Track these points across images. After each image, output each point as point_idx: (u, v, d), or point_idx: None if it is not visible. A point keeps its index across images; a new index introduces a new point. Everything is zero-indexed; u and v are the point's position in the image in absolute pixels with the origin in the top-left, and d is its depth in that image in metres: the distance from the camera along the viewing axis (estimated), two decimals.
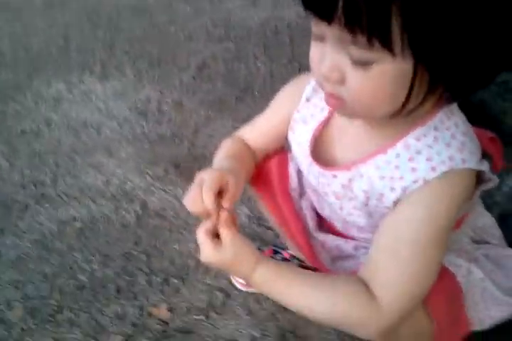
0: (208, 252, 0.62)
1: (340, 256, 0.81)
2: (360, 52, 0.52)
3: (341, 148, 0.70)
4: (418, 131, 0.60)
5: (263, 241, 1.18)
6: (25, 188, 1.39)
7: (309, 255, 0.80)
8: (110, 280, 1.09)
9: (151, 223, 1.26)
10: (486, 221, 0.78)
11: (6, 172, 1.46)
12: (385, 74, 0.53)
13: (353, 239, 0.79)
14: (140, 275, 1.10)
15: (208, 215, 0.63)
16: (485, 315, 0.72)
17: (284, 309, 1.00)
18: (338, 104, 0.59)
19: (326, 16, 0.51)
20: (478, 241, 0.76)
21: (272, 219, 0.92)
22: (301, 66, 1.93)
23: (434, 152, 0.58)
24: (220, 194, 0.64)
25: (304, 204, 0.84)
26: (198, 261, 1.13)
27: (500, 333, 0.79)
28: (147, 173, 1.44)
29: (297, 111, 0.74)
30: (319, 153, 0.71)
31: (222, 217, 0.62)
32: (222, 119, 1.67)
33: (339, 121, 0.70)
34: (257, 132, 0.84)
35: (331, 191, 0.69)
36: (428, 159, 0.58)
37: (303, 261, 1.00)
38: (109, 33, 2.33)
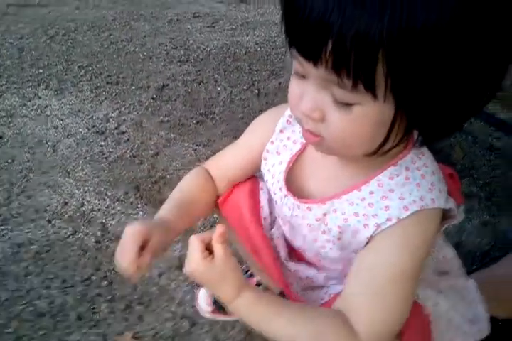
0: (197, 260, 0.61)
1: (310, 286, 0.83)
2: (343, 94, 0.53)
3: (315, 181, 0.71)
4: (390, 169, 0.63)
5: None
6: None
7: (281, 284, 0.81)
8: (70, 308, 1.05)
9: (112, 247, 1.23)
10: (446, 252, 0.82)
11: None
12: (366, 116, 0.54)
13: (323, 269, 0.81)
14: (101, 301, 1.08)
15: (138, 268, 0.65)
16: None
17: (251, 337, 1.02)
18: (316, 141, 0.60)
19: (314, 57, 0.52)
20: (440, 273, 0.81)
21: (241, 248, 0.93)
22: (260, 92, 1.98)
23: (405, 191, 0.62)
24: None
25: (275, 234, 0.85)
26: (161, 288, 1.12)
27: None
28: (106, 195, 1.41)
29: (271, 143, 0.76)
30: (293, 184, 0.73)
31: (217, 232, 0.62)
32: (183, 142, 1.67)
33: (313, 154, 0.71)
34: (224, 166, 0.84)
35: (304, 223, 0.71)
36: (400, 198, 0.61)
37: (268, 289, 1.03)
38: (66, 47, 2.29)
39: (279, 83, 2.01)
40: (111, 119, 1.78)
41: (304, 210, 0.70)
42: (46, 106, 1.83)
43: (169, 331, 1.02)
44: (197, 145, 1.66)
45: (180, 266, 1.18)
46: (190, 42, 2.40)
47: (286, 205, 0.73)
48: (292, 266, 0.82)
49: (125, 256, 0.66)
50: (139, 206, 1.38)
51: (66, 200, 1.38)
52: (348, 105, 0.54)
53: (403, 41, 0.47)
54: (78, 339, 0.99)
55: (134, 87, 1.99)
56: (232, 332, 1.03)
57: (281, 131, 0.75)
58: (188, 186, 0.83)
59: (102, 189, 1.43)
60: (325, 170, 0.70)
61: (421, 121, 0.56)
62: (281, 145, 0.75)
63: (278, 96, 1.93)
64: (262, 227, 0.82)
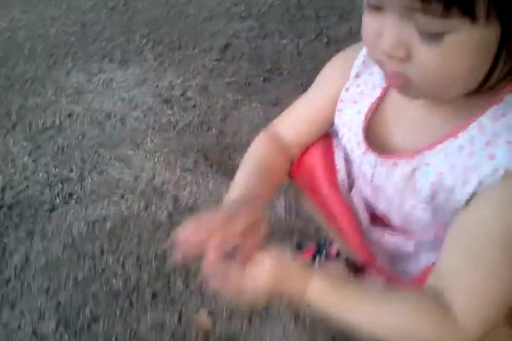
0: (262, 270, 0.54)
1: (399, 256, 0.72)
2: (430, 22, 0.43)
3: (400, 133, 0.61)
4: (494, 109, 0.51)
5: (303, 234, 1.10)
6: (52, 187, 1.33)
7: (366, 255, 0.71)
8: (146, 285, 1.02)
9: (184, 219, 1.18)
10: None
11: (31, 170, 1.40)
12: (462, 46, 0.44)
13: (413, 235, 0.69)
14: (177, 277, 1.03)
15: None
16: None
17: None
18: (403, 85, 0.50)
19: None
20: None
21: (319, 216, 0.82)
22: (330, 40, 1.80)
23: None
24: None
25: (355, 198, 0.74)
26: None
27: None
28: (176, 165, 1.36)
29: (345, 90, 0.65)
30: (373, 138, 0.62)
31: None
32: (251, 102, 1.57)
33: (396, 101, 0.61)
34: (295, 121, 0.74)
35: (390, 183, 0.61)
36: (509, 142, 0.49)
37: (349, 260, 0.92)
38: (126, 17, 2.23)
39: (350, 28, 1.81)
40: (176, 86, 1.72)
41: (388, 167, 0.59)
42: (111, 80, 1.80)
43: (245, 307, 0.95)
44: (266, 105, 1.55)
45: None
46: None
47: (366, 163, 0.63)
48: (376, 233, 0.71)
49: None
50: (209, 175, 1.32)
51: (137, 174, 1.34)
52: (438, 35, 0.44)
53: None
54: (154, 318, 0.95)
55: (196, 51, 1.91)
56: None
57: (356, 76, 0.64)
58: (262, 152, 0.73)
59: (172, 159, 1.38)
60: (410, 118, 0.59)
61: None
62: (358, 91, 0.64)
63: (349, 43, 1.75)
64: (339, 191, 0.71)
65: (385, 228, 0.72)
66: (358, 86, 0.64)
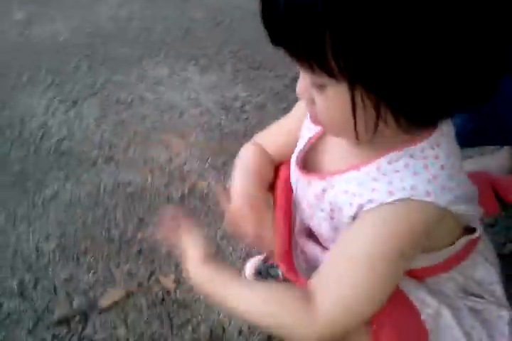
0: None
1: (315, 266, 0.81)
2: (311, 77, 0.53)
3: (329, 159, 0.69)
4: (393, 154, 0.58)
5: None
6: (101, 149, 1.55)
7: (286, 261, 0.76)
8: (136, 242, 1.19)
9: (192, 203, 1.35)
10: (486, 275, 0.73)
11: (91, 132, 1.64)
12: (334, 97, 0.53)
13: (326, 249, 0.76)
14: (163, 245, 1.19)
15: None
16: None
17: None
18: (316, 122, 0.61)
19: (274, 42, 0.54)
20: (468, 293, 0.72)
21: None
22: None
23: (397, 177, 0.57)
24: None
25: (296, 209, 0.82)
26: (218, 248, 1.19)
27: None
28: (207, 161, 1.54)
29: (307, 118, 0.74)
30: (310, 160, 0.72)
31: None
32: None
33: (326, 139, 0.70)
34: (274, 133, 0.85)
35: (305, 199, 0.69)
36: (389, 182, 0.56)
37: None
38: (227, 32, 2.50)
39: None
40: (239, 99, 1.91)
41: (305, 184, 0.69)
42: (188, 80, 2.04)
43: None
44: None
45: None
46: None
47: (293, 179, 0.73)
48: (302, 241, 0.79)
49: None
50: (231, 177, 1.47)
51: (172, 157, 1.53)
52: (322, 86, 0.53)
53: (345, 20, 0.46)
54: (130, 269, 1.11)
55: (271, 74, 2.10)
56: None
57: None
58: (254, 160, 0.83)
59: (206, 155, 1.56)
60: (338, 147, 0.68)
61: (389, 100, 0.51)
62: (306, 129, 0.74)
63: None
64: (288, 198, 0.79)
65: (309, 238, 0.79)
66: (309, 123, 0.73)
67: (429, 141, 0.58)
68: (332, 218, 0.65)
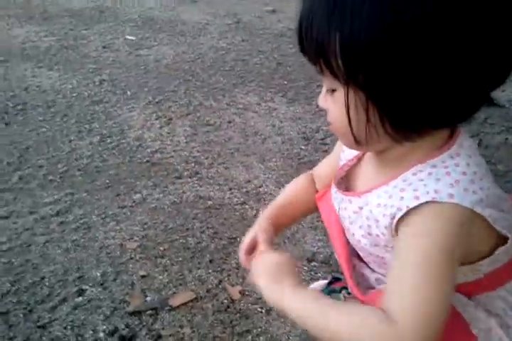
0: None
1: (368, 287, 0.83)
2: (325, 81, 0.61)
3: (363, 181, 0.74)
4: (417, 167, 0.63)
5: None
6: (187, 164, 1.68)
7: (350, 281, 0.79)
8: (209, 252, 1.26)
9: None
10: None
11: (181, 148, 1.77)
12: (340, 101, 0.59)
13: (374, 270, 0.79)
14: (234, 257, 1.26)
15: None
16: None
17: None
18: (331, 128, 0.67)
19: (302, 52, 0.62)
20: None
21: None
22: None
23: (421, 184, 0.61)
24: None
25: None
26: None
27: None
28: (283, 185, 1.60)
29: (342, 152, 0.81)
30: (349, 184, 0.77)
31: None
32: None
33: (367, 156, 0.76)
34: (321, 173, 0.92)
35: (347, 215, 0.74)
36: (415, 190, 0.61)
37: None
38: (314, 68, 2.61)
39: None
40: (321, 131, 1.99)
41: (346, 203, 0.74)
42: (275, 109, 2.15)
43: None
44: None
45: (311, 259, 1.28)
46: None
47: (336, 200, 0.78)
48: (356, 262, 0.83)
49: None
50: None
51: (250, 179, 1.62)
52: (333, 91, 0.61)
53: (350, 43, 0.55)
54: (201, 275, 1.18)
55: None
56: None
57: (343, 151, 0.81)
58: (290, 188, 0.94)
59: (282, 180, 1.63)
60: (369, 169, 0.73)
61: (377, 105, 0.58)
62: (344, 160, 0.80)
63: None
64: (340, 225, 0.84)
65: (361, 261, 0.81)
66: (344, 156, 0.80)
67: (449, 153, 0.63)
68: (370, 234, 0.69)
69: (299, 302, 0.66)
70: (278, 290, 0.67)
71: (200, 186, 1.55)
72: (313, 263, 1.27)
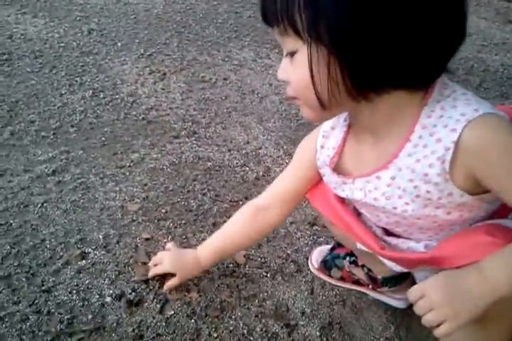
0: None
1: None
2: (285, 42, 0.62)
3: (365, 165, 0.74)
4: (425, 110, 0.64)
5: None
6: (184, 123, 1.62)
7: (377, 247, 0.82)
8: (212, 215, 1.24)
9: (265, 186, 1.39)
10: None
11: (177, 105, 1.71)
12: (300, 61, 0.61)
13: (419, 240, 0.81)
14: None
15: None
16: None
17: (343, 304, 1.06)
18: (296, 103, 0.68)
19: (263, 17, 0.63)
20: None
21: (337, 232, 0.99)
22: None
23: (445, 118, 0.62)
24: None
25: (365, 220, 0.87)
26: (288, 232, 1.23)
27: None
28: (282, 147, 1.58)
29: (318, 160, 0.81)
30: (347, 170, 0.78)
31: None
32: None
33: (350, 149, 0.76)
34: (276, 193, 0.95)
35: (379, 193, 0.73)
36: (445, 126, 0.62)
37: (371, 271, 1.05)
38: None
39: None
40: None
41: (374, 181, 0.72)
42: (271, 67, 2.08)
43: (276, 266, 1.13)
44: None
45: (313, 223, 1.27)
46: None
47: (356, 190, 0.76)
48: (391, 240, 0.84)
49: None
50: None
51: (249, 140, 1.58)
52: (293, 55, 0.62)
53: None
54: (205, 238, 1.16)
55: None
56: (330, 293, 1.09)
57: (321, 147, 0.81)
58: (229, 225, 1.00)
59: (281, 142, 1.60)
60: (366, 149, 0.73)
61: (349, 64, 0.59)
62: (326, 156, 0.80)
63: None
64: (350, 209, 0.86)
65: (398, 237, 0.84)
66: (322, 153, 0.80)
67: (438, 86, 0.65)
68: (418, 196, 0.68)
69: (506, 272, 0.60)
70: (479, 292, 0.61)
71: (199, 146, 1.51)
72: (315, 227, 1.27)
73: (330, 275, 1.12)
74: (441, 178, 0.64)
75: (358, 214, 0.88)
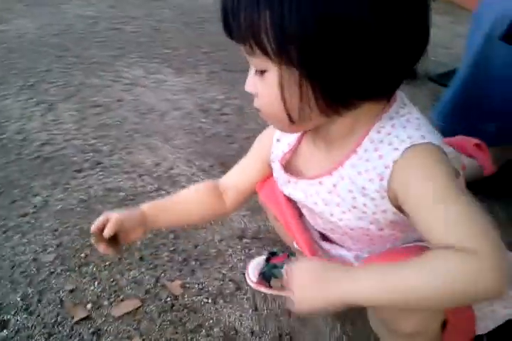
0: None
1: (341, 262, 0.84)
2: (254, 62, 0.61)
3: (313, 166, 0.75)
4: (376, 125, 0.65)
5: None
6: (85, 153, 1.52)
7: (309, 251, 0.84)
8: (136, 249, 1.18)
9: None
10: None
11: (72, 135, 1.60)
12: (271, 80, 0.60)
13: (351, 249, 0.82)
14: (164, 250, 1.19)
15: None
16: (487, 311, 0.72)
17: (288, 313, 1.06)
18: (261, 115, 0.68)
19: (228, 35, 0.61)
20: None
21: (277, 226, 0.99)
22: None
23: (393, 137, 0.63)
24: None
25: (306, 221, 0.88)
26: (218, 251, 1.20)
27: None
28: (194, 164, 1.54)
29: (272, 153, 0.82)
30: (297, 169, 0.79)
31: None
32: None
33: (304, 147, 0.77)
34: (232, 182, 0.93)
35: (319, 199, 0.73)
36: (389, 144, 0.63)
37: None
38: (196, 34, 2.49)
39: None
40: (217, 101, 1.92)
41: (316, 186, 0.73)
42: (164, 81, 2.02)
43: (214, 289, 1.10)
44: None
45: (241, 236, 1.25)
46: None
47: (299, 190, 0.77)
48: (325, 245, 0.85)
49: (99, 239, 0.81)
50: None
51: (159, 162, 1.52)
52: (262, 72, 0.61)
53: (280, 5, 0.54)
54: (135, 276, 1.10)
55: (245, 77, 2.12)
56: (272, 305, 1.08)
57: (277, 141, 0.81)
58: (186, 193, 0.94)
59: (192, 158, 1.56)
60: (318, 152, 0.74)
61: (310, 81, 0.59)
62: (280, 151, 0.81)
63: None
64: (294, 209, 0.86)
65: (332, 243, 0.85)
66: (278, 148, 0.81)
67: (396, 104, 0.66)
68: (354, 207, 0.69)
69: (370, 283, 0.59)
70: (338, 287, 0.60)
71: (107, 177, 1.42)
72: (244, 240, 1.25)
73: (270, 286, 1.11)
74: (379, 194, 0.65)
75: (301, 215, 0.87)
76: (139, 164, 1.50)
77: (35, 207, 1.27)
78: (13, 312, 0.98)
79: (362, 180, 0.66)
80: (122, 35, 2.40)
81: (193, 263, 1.16)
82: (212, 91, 1.98)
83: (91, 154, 1.52)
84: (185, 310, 1.04)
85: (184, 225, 1.20)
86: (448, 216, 0.57)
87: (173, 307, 1.04)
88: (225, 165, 1.54)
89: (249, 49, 0.59)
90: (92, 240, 0.81)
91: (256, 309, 1.07)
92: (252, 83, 0.64)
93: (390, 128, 0.64)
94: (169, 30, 2.50)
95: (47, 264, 1.10)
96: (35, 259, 1.11)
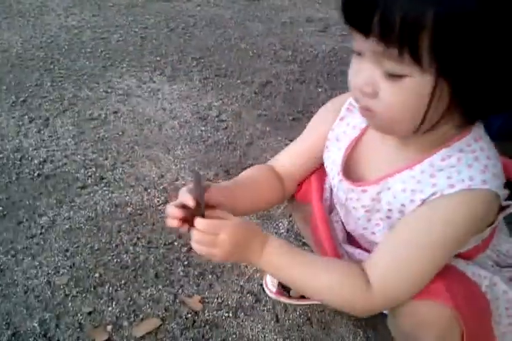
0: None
1: None
2: (393, 65, 0.56)
3: (372, 165, 0.73)
4: (444, 151, 0.64)
5: None
6: (87, 169, 1.49)
7: (334, 255, 0.82)
8: (151, 265, 1.15)
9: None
10: (510, 248, 0.80)
11: (72, 151, 1.56)
12: (415, 88, 0.57)
13: None
14: (178, 265, 1.16)
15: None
16: (508, 330, 0.73)
17: (310, 322, 1.04)
18: (369, 115, 0.64)
19: (364, 30, 0.56)
20: (502, 266, 0.78)
21: (304, 228, 0.96)
22: None
23: (455, 171, 0.62)
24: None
25: (334, 218, 0.87)
26: (234, 263, 1.18)
27: None
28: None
29: (331, 130, 0.78)
30: (350, 169, 0.75)
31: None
32: (277, 136, 1.73)
33: (371, 140, 0.74)
34: (291, 155, 0.87)
35: (360, 205, 0.73)
36: (448, 177, 0.62)
37: None
38: (183, 39, 2.46)
39: None
40: (214, 108, 1.90)
41: (359, 193, 0.72)
42: (158, 90, 1.99)
43: (234, 302, 1.08)
44: (290, 140, 1.68)
45: None
46: (300, 44, 2.47)
47: (341, 190, 0.76)
48: (348, 248, 0.84)
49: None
50: None
51: (163, 173, 1.50)
52: (399, 77, 0.57)
53: (447, 21, 0.52)
54: (153, 294, 1.08)
55: (239, 81, 2.10)
56: (293, 315, 1.07)
57: (341, 119, 0.77)
58: (255, 174, 0.86)
59: (196, 168, 1.54)
60: (382, 153, 0.72)
61: (464, 96, 0.57)
62: (341, 131, 0.77)
63: None
64: (323, 207, 0.84)
65: (357, 247, 0.84)
66: (341, 127, 0.77)
67: (471, 135, 0.65)
68: (389, 217, 0.70)
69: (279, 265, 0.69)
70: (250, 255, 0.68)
71: (112, 192, 1.39)
72: None
73: (290, 296, 1.09)
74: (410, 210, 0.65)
75: (329, 213, 0.86)
76: (143, 177, 1.47)
77: (42, 227, 1.24)
78: (31, 340, 0.95)
79: (404, 198, 0.66)
80: (109, 44, 2.36)
81: (210, 276, 1.14)
82: (207, 98, 1.96)
83: (93, 169, 1.49)
84: (207, 326, 1.02)
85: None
86: (403, 257, 0.64)
87: (195, 324, 1.02)
88: (229, 172, 1.53)
89: (393, 54, 0.55)
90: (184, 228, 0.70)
91: (277, 320, 1.05)
92: (372, 82, 0.59)
93: (455, 161, 0.63)
94: (156, 37, 2.46)
95: (61, 287, 1.07)
96: (48, 282, 1.08)
